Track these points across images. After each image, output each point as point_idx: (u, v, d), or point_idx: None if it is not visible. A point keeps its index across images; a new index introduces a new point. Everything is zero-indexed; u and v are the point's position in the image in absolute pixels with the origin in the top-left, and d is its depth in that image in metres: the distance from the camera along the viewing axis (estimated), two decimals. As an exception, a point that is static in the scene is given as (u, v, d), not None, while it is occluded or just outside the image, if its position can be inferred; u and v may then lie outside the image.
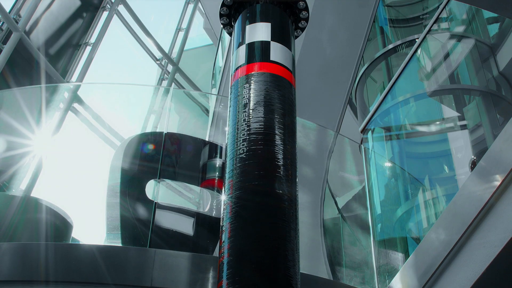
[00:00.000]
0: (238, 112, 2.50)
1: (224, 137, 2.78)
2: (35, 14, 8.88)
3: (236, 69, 2.72)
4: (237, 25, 2.95)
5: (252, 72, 2.61)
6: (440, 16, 6.83)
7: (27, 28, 8.64)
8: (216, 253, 3.62)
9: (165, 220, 3.78)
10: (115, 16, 10.89)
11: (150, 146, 4.23)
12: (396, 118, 6.82)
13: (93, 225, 4.61)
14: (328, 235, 5.78)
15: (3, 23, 8.29)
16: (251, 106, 2.48)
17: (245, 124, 2.43)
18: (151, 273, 3.07)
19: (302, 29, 3.08)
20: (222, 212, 2.28)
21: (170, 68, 12.20)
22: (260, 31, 2.79)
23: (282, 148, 2.38)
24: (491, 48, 6.33)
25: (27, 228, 3.89)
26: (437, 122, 6.65)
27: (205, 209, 4.09)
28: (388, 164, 6.15)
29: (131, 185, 3.95)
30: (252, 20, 2.86)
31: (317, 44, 8.03)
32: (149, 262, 3.12)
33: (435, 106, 6.60)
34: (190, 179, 4.30)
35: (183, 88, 12.35)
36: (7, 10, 8.35)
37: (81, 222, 4.33)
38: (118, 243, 3.71)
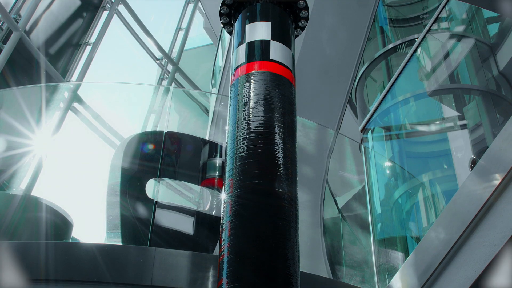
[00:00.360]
0: (238, 111, 2.51)
1: (224, 136, 2.78)
2: (35, 14, 8.87)
3: (236, 68, 2.72)
4: (237, 24, 2.96)
5: (252, 71, 2.62)
6: (440, 16, 6.83)
7: (27, 27, 8.64)
8: (216, 252, 3.62)
9: (165, 219, 3.78)
10: (115, 16, 10.89)
11: (150, 146, 4.23)
12: (396, 118, 6.82)
13: (93, 224, 4.61)
14: (328, 234, 5.79)
15: (3, 22, 8.29)
16: (251, 105, 2.48)
17: (245, 123, 2.43)
18: (151, 272, 3.07)
19: (302, 28, 3.08)
20: (222, 211, 2.28)
21: (170, 67, 12.20)
22: (260, 30, 2.79)
23: (282, 147, 2.38)
24: (491, 48, 6.33)
25: (27, 227, 3.89)
26: (437, 122, 6.65)
27: (205, 208, 4.09)
28: (388, 164, 6.16)
29: (131, 184, 3.95)
30: (252, 19, 2.87)
31: (317, 44, 8.03)
32: (149, 260, 3.12)
33: (435, 105, 6.60)
34: (190, 178, 4.30)
35: (183, 88, 12.34)
36: (7, 9, 8.35)
37: (81, 221, 4.33)
38: (118, 242, 3.72)
